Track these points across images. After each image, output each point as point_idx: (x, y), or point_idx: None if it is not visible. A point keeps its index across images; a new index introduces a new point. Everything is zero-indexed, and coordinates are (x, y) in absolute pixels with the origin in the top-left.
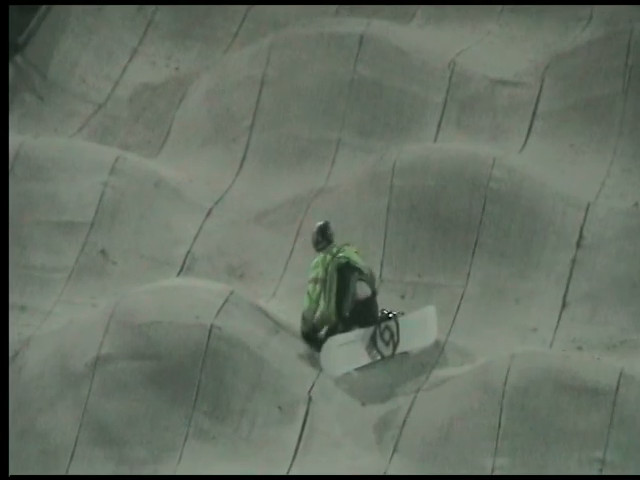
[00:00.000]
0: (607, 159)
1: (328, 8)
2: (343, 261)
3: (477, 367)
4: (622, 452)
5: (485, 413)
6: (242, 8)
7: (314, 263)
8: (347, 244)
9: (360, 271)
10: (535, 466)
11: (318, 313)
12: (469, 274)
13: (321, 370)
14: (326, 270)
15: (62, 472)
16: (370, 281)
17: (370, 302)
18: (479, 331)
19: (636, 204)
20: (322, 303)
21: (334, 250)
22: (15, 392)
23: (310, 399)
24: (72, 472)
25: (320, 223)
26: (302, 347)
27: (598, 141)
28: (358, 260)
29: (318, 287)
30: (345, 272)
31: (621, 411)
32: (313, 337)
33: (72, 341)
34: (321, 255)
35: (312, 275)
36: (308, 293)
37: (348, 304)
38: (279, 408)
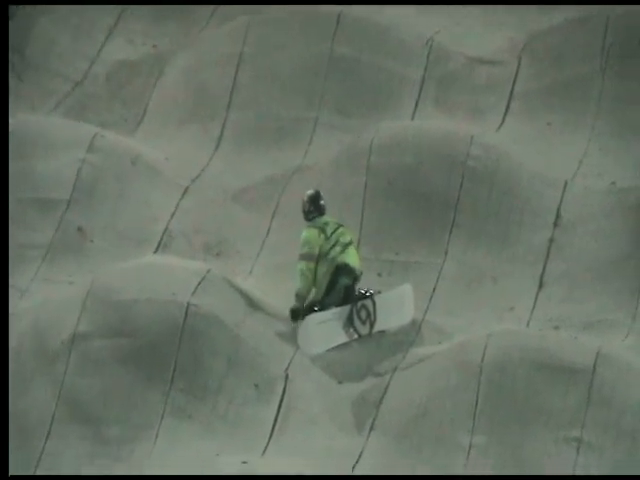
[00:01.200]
0: (584, 138)
1: None
2: (341, 264)
3: (454, 346)
4: (599, 431)
5: (462, 391)
6: None
7: (304, 239)
8: (341, 225)
9: (355, 275)
10: (512, 444)
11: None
12: (446, 252)
13: (298, 348)
14: (320, 249)
15: (38, 450)
16: (357, 278)
17: (349, 289)
18: (456, 310)
19: (613, 183)
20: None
21: (328, 230)
22: None
23: (287, 377)
24: (48, 451)
25: (311, 192)
26: (279, 325)
27: (575, 120)
28: (356, 263)
29: (312, 264)
30: (341, 273)
31: (598, 390)
32: (304, 315)
33: (48, 319)
34: (312, 230)
35: (304, 251)
36: (302, 272)
37: (333, 298)
38: (256, 386)
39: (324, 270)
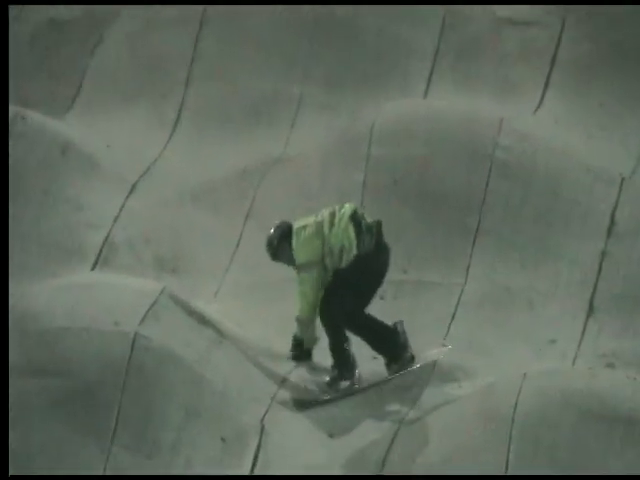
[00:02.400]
0: None
1: None
2: (352, 212)
3: (479, 390)
4: None
5: (489, 448)
6: None
7: (296, 246)
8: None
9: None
10: None
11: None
12: (468, 269)
13: (276, 392)
14: (323, 230)
15: None
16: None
17: (379, 225)
18: (481, 343)
19: None
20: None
21: (326, 213)
22: None
23: (263, 429)
24: None
25: (279, 223)
26: (252, 362)
27: (635, 98)
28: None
29: (315, 272)
30: (355, 218)
31: None
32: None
33: None
34: (301, 231)
35: (300, 261)
36: (302, 291)
37: (367, 242)
38: (223, 440)
39: (339, 233)
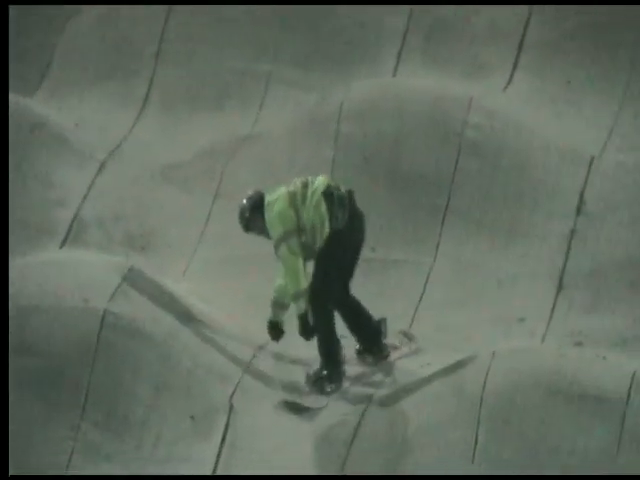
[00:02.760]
0: (615, 100)
1: None
2: (328, 185)
3: (447, 368)
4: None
5: (457, 426)
6: None
7: (272, 218)
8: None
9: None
10: None
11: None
12: (438, 247)
13: (245, 370)
14: (296, 201)
15: None
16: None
17: (351, 196)
18: (450, 321)
19: None
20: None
21: (299, 184)
22: None
23: (231, 407)
24: None
25: (251, 194)
26: (221, 340)
27: (604, 77)
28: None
29: (294, 240)
30: (330, 192)
31: (632, 424)
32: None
33: None
34: (273, 202)
35: (278, 233)
36: (288, 265)
37: (342, 217)
38: (192, 418)
39: (311, 209)
